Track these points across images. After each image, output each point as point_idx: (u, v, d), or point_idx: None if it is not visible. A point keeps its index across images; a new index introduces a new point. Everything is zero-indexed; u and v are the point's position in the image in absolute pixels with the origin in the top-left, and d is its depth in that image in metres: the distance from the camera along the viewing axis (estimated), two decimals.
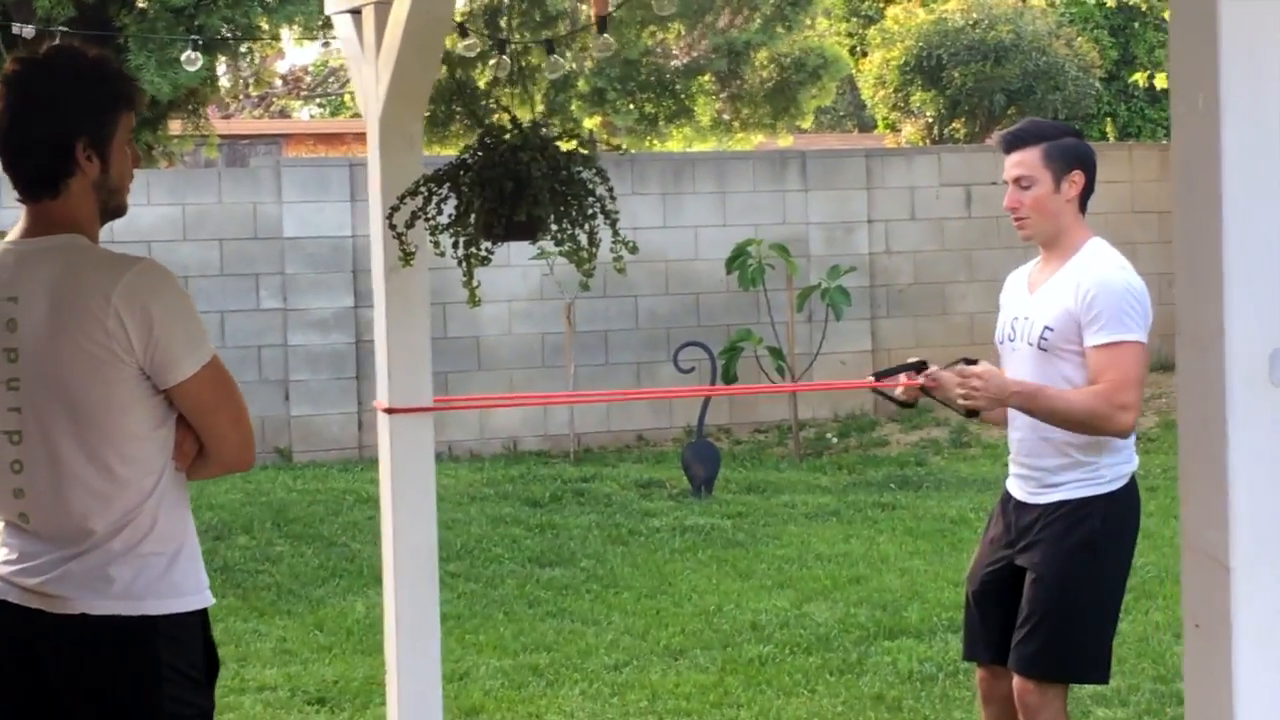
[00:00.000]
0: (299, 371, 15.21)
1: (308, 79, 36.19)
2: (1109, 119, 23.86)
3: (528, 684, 8.06)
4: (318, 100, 37.35)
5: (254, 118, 33.13)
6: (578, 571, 10.47)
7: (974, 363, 5.30)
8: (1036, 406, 5.23)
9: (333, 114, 36.62)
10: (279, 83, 32.57)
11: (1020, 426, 5.40)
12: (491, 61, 8.19)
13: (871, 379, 5.91)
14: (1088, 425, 5.19)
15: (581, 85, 18.85)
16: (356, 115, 33.03)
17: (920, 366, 5.54)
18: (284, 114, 35.87)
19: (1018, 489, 5.45)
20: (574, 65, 18.05)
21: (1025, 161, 5.34)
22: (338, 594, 9.97)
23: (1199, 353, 2.57)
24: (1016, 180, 5.36)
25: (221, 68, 18.56)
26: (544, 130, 5.03)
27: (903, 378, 5.60)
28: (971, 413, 5.33)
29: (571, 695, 7.87)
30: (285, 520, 12.05)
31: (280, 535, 11.64)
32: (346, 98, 35.36)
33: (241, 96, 27.59)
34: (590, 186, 4.93)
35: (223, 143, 21.68)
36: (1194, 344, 2.59)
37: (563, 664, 8.38)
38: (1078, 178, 5.33)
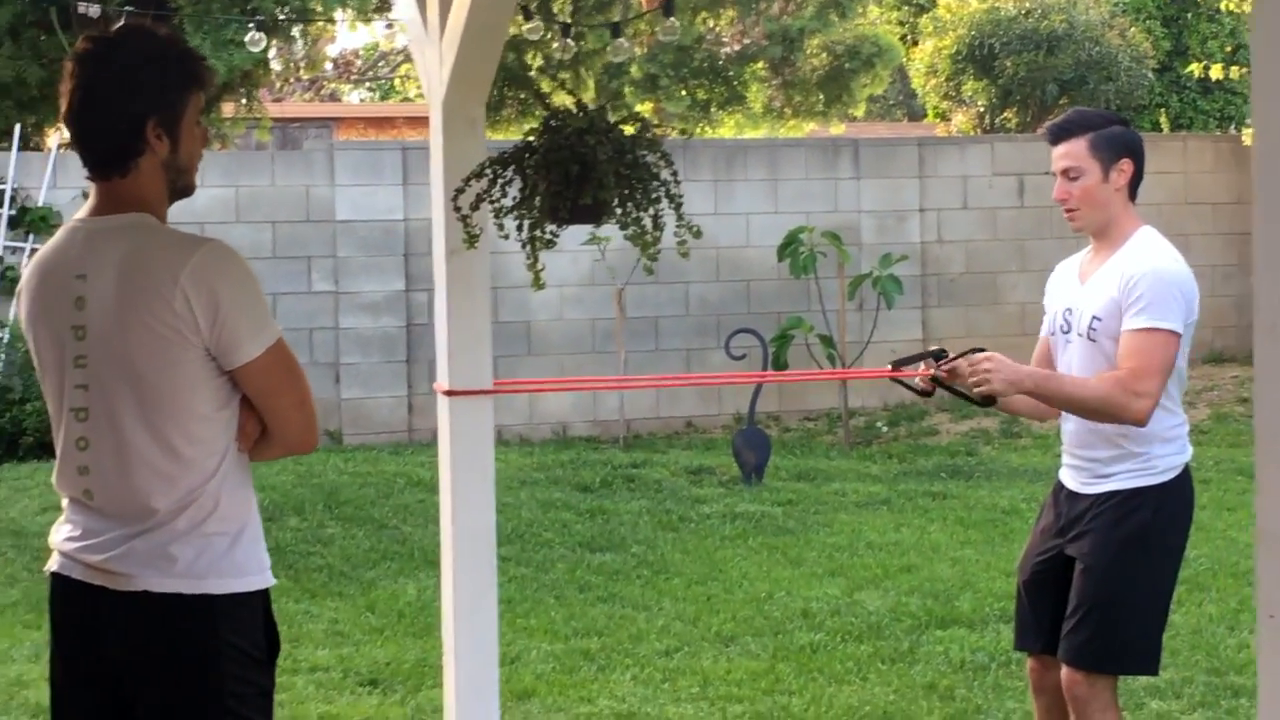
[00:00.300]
0: (350, 354, 15.26)
1: (358, 63, 36.23)
2: (1161, 110, 23.73)
3: (579, 668, 8.07)
4: (368, 84, 37.39)
5: (304, 101, 33.18)
6: (628, 557, 10.47)
7: (981, 351, 5.29)
8: (1051, 392, 5.20)
9: (383, 98, 36.66)
10: (329, 66, 32.61)
11: (1072, 418, 5.38)
12: (555, 45, 8.17)
13: (889, 368, 5.85)
14: (1102, 412, 5.14)
15: (634, 71, 18.82)
16: (407, 99, 33.11)
17: (939, 355, 5.47)
18: (334, 97, 35.94)
19: (1070, 479, 5.43)
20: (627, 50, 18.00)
21: (1072, 152, 5.31)
22: (389, 576, 9.99)
23: (1277, 341, 2.54)
24: (1064, 172, 5.33)
25: (272, 50, 18.59)
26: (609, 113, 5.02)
27: (921, 367, 5.55)
28: (987, 400, 5.28)
29: (623, 680, 7.88)
30: (336, 502, 12.09)
31: (331, 517, 11.67)
32: (396, 82, 35.41)
33: (293, 80, 27.65)
34: (655, 170, 4.92)
35: (274, 126, 21.71)
36: (1272, 332, 2.55)
37: (614, 649, 8.39)
38: (1126, 166, 5.30)
